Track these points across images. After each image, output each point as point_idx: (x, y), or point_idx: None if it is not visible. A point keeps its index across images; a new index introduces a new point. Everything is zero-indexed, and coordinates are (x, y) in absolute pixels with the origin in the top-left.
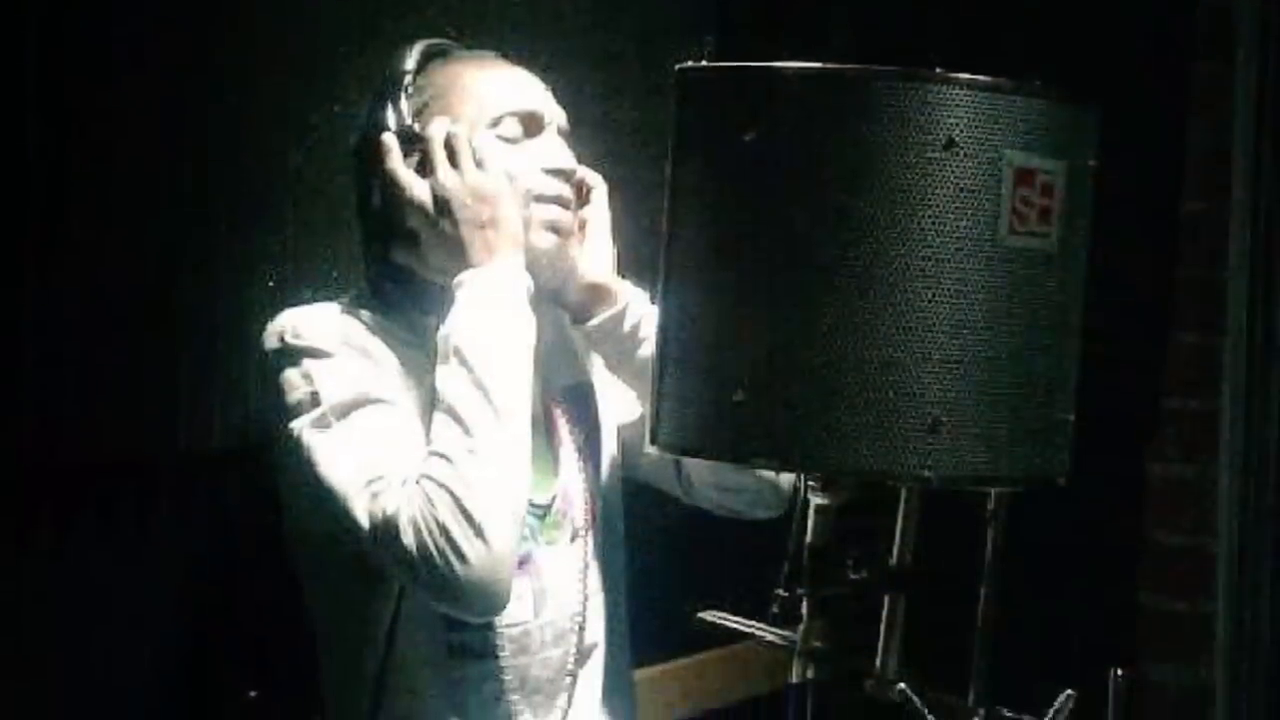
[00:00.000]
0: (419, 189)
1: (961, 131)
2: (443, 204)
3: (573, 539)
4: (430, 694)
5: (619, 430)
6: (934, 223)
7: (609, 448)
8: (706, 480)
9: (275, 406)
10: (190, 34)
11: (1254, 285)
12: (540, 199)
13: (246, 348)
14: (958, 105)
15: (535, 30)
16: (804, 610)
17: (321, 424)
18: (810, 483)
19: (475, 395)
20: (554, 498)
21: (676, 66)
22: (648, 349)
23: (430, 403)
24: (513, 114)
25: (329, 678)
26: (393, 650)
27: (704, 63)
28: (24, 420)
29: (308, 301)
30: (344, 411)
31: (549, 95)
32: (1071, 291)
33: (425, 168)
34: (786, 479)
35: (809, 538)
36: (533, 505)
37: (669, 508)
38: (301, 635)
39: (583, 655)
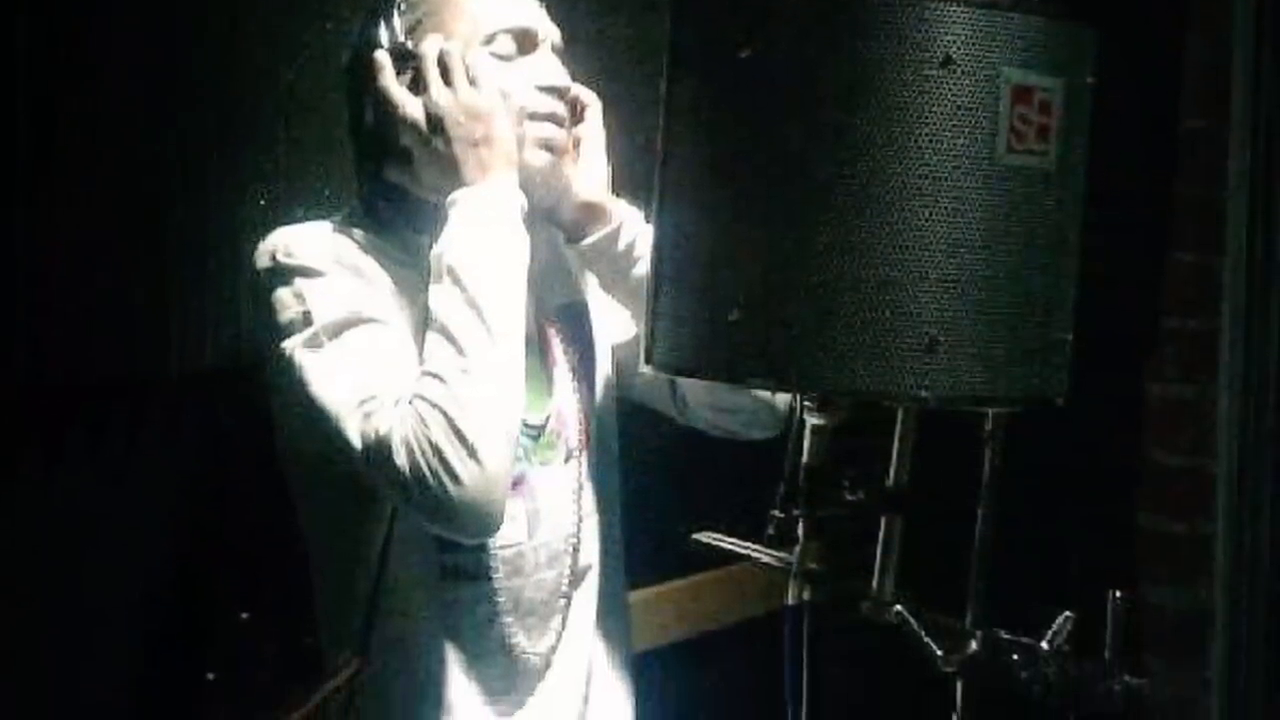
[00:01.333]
0: (412, 107)
1: (959, 49)
2: (436, 122)
3: (567, 460)
4: (423, 616)
5: (613, 350)
6: (931, 141)
7: (603, 368)
8: (702, 400)
9: (267, 326)
10: None
11: (1254, 203)
12: (534, 117)
13: (239, 267)
14: (955, 23)
15: None
16: (800, 531)
17: (314, 343)
18: (806, 403)
19: (469, 314)
20: (548, 418)
21: None
22: (642, 268)
23: (423, 322)
24: (507, 31)
25: (322, 599)
26: (385, 572)
27: None
28: (16, 341)
29: (300, 220)
30: (336, 331)
31: (543, 12)
32: (1070, 210)
33: (418, 85)
34: (782, 399)
35: (805, 458)
36: (527, 426)
37: (664, 428)
38: (295, 557)
39: (577, 577)
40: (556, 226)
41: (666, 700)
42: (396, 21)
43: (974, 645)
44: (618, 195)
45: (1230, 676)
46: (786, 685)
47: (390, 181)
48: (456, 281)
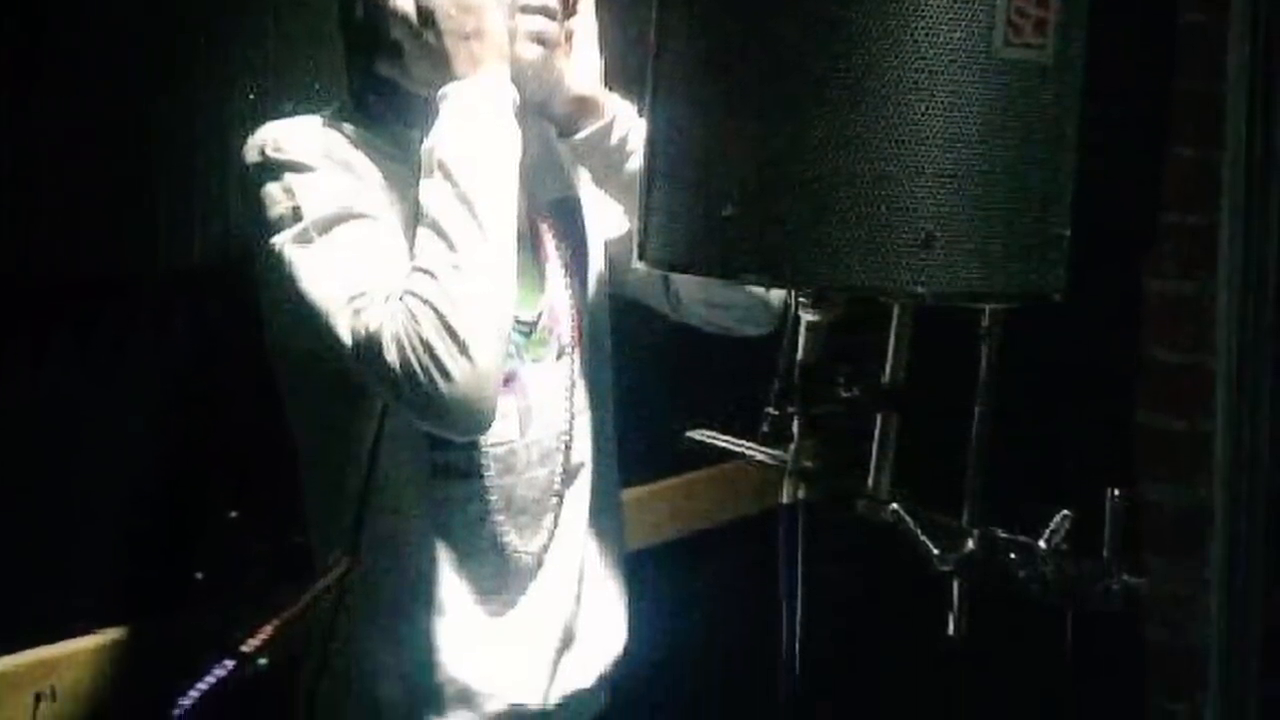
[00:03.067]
0: (403, 0)
1: None
2: (427, 15)
3: (559, 356)
4: (414, 514)
5: (606, 245)
6: (927, 34)
7: (596, 263)
8: (695, 296)
9: (256, 221)
10: None
11: (1253, 98)
12: (525, 9)
13: (227, 162)
14: None
15: None
16: (795, 429)
17: (303, 239)
18: (801, 299)
19: (460, 209)
20: (540, 314)
21: None
22: (636, 163)
23: (414, 217)
24: None
25: (311, 497)
26: (376, 469)
27: None
28: (2, 238)
29: (289, 115)
30: (326, 226)
31: None
32: (1068, 105)
33: None
34: (777, 295)
35: (800, 355)
36: (518, 322)
37: (657, 324)
38: (284, 455)
39: (569, 475)
40: (549, 121)
41: (660, 599)
42: None
43: (971, 544)
44: (611, 89)
45: (1229, 574)
46: (781, 584)
47: (380, 75)
48: (447, 176)
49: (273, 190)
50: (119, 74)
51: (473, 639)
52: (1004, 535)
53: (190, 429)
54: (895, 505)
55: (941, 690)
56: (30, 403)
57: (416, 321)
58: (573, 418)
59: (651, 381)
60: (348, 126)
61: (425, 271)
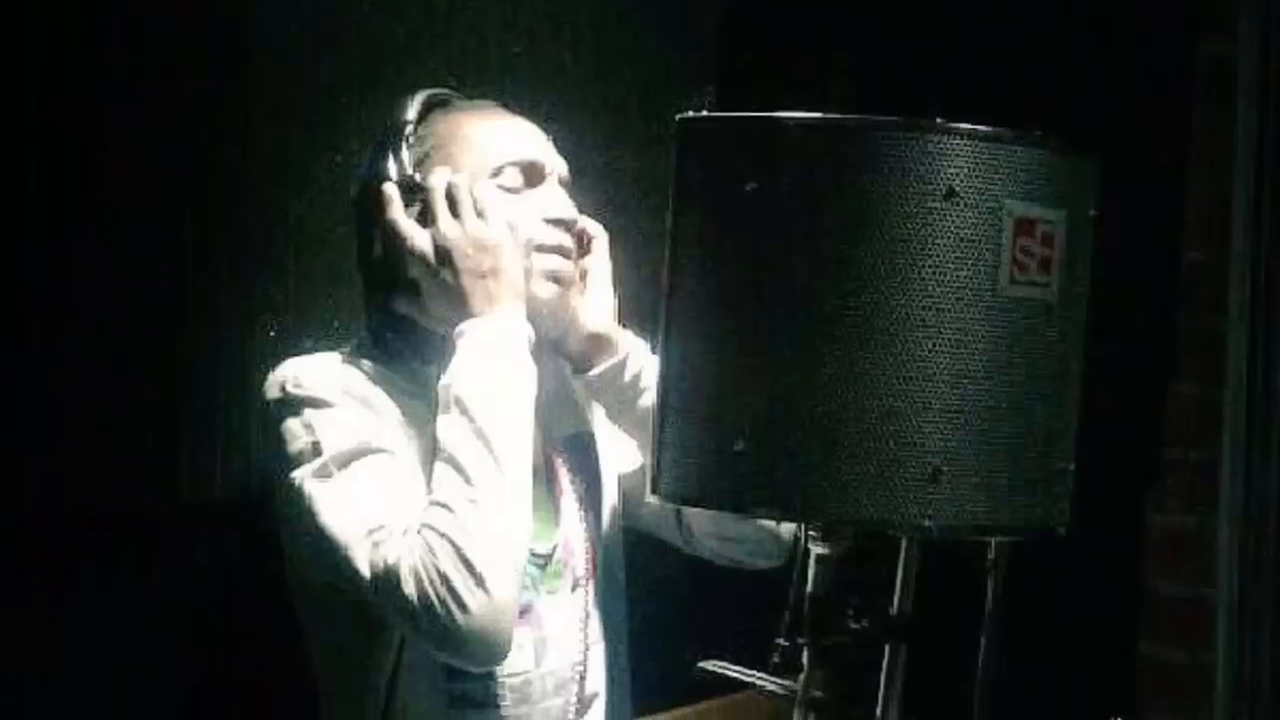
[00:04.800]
0: (420, 239)
1: (962, 181)
2: (444, 254)
3: (574, 588)
4: None
5: (620, 480)
6: (934, 272)
7: (610, 497)
8: (707, 530)
9: (276, 456)
10: (191, 83)
11: (1254, 335)
12: (541, 249)
13: (248, 397)
14: (958, 155)
15: (536, 80)
16: (805, 659)
17: (323, 474)
18: (811, 532)
19: (476, 445)
20: (555, 547)
21: (677, 116)
22: (649, 398)
23: (431, 452)
24: (514, 164)
25: None
26: (394, 700)
27: (705, 113)
28: (26, 471)
29: (309, 351)
30: (345, 461)
31: (550, 145)
32: (1072, 341)
33: (426, 218)
34: (787, 528)
35: (810, 587)
36: (534, 555)
37: (670, 557)
38: (303, 686)
39: (584, 705)
40: (563, 357)
41: None
42: (405, 154)
43: None
44: (624, 326)
45: None
46: None
47: (398, 312)
48: (464, 412)
49: (293, 426)
50: (141, 310)
51: None
52: None
53: (211, 660)
54: None
55: None
56: (52, 634)
57: (434, 555)
58: (587, 649)
59: (664, 612)
60: (366, 363)
61: (442, 505)
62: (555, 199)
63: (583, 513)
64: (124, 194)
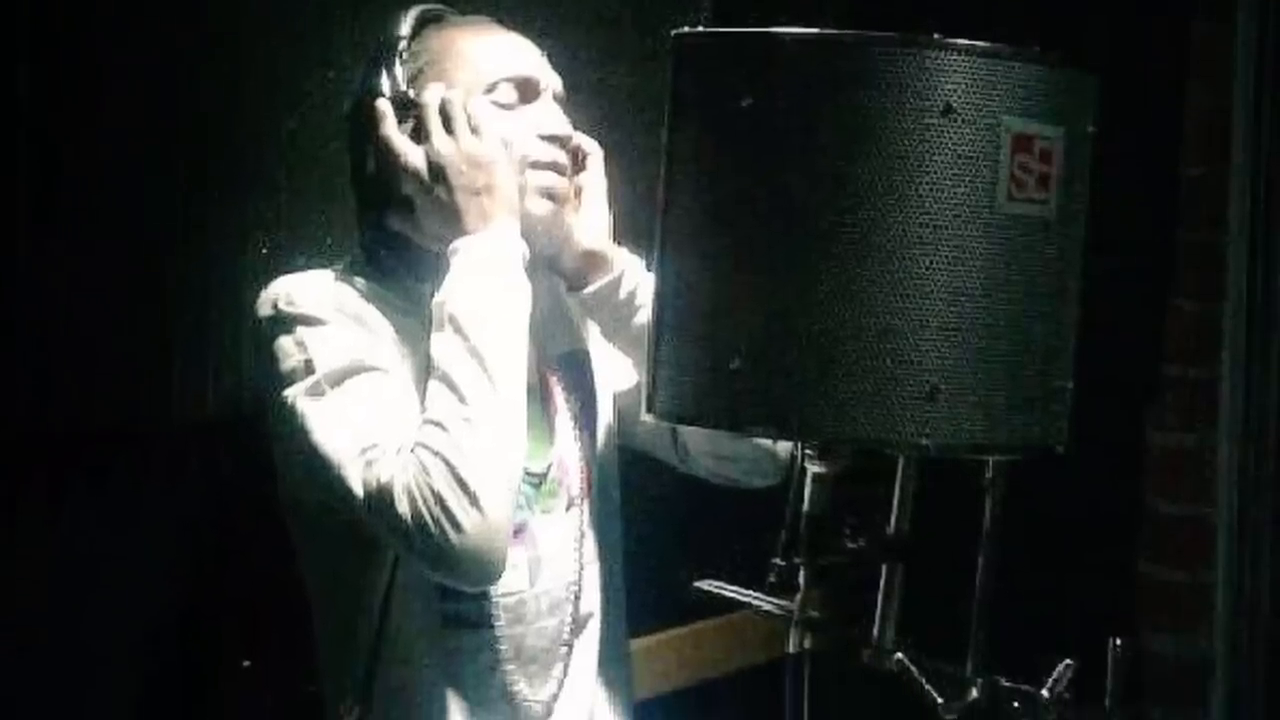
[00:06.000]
0: (414, 155)
1: (959, 98)
2: (438, 170)
3: (568, 508)
4: (425, 664)
5: (615, 398)
6: (932, 189)
7: (605, 416)
8: (703, 448)
9: (269, 374)
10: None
11: (1254, 251)
12: (536, 165)
13: (240, 315)
14: (956, 71)
15: None
16: (801, 579)
17: (315, 392)
18: (807, 451)
19: (470, 363)
20: (549, 466)
21: (673, 32)
22: (644, 316)
23: (425, 370)
24: (508, 80)
25: (323, 647)
26: (387, 620)
27: (701, 28)
28: (18, 390)
29: (302, 268)
30: (338, 379)
31: (545, 61)
32: (1070, 258)
33: (420, 134)
34: (783, 447)
35: (806, 506)
36: (528, 474)
37: (665, 476)
38: (296, 605)
39: (578, 625)
40: (558, 275)
41: None
42: (398, 70)
43: (975, 693)
44: (619, 243)
45: None
46: None
47: (392, 230)
48: (458, 330)
49: (285, 344)
50: (133, 227)
51: None
52: (1007, 684)
53: (203, 578)
54: (900, 655)
55: None
56: (44, 551)
57: (427, 473)
58: (582, 568)
59: (660, 531)
60: (359, 281)
61: (436, 424)
62: (550, 115)
63: (577, 431)
64: (116, 111)
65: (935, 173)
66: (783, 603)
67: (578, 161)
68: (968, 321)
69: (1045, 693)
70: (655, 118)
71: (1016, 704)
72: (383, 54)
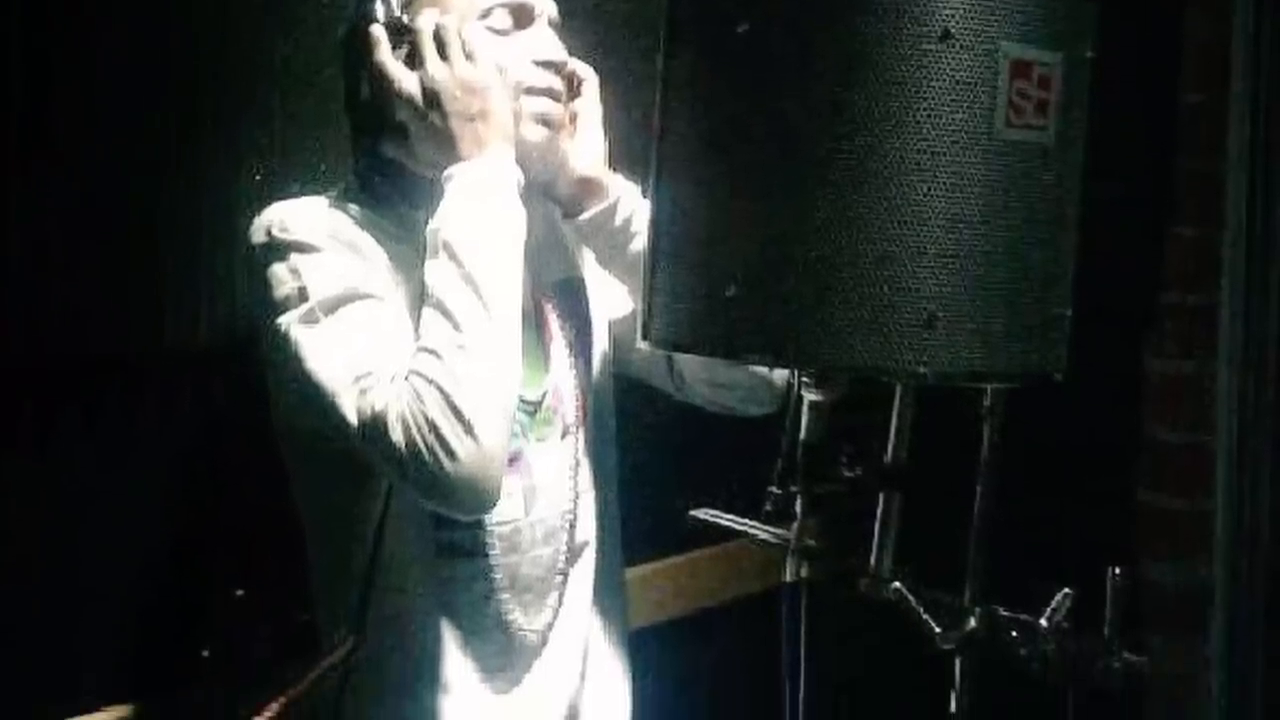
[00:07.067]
0: (408, 81)
1: (957, 23)
2: (432, 96)
3: (563, 436)
4: (419, 592)
5: (610, 326)
6: (929, 116)
7: (600, 343)
8: (699, 376)
9: (262, 302)
10: None
11: (1253, 178)
12: (530, 91)
13: (233, 242)
14: None
15: None
16: (797, 508)
17: (309, 319)
18: (804, 379)
19: (465, 290)
20: (545, 394)
21: None
22: (639, 243)
23: (419, 298)
24: (503, 5)
25: (317, 576)
26: (381, 548)
27: None
28: (8, 318)
29: (295, 195)
30: (332, 307)
31: None
32: (1068, 185)
33: (414, 60)
34: (780, 375)
35: (803, 435)
36: (523, 401)
37: (661, 404)
38: (290, 533)
39: (574, 553)
40: (553, 201)
41: (663, 677)
42: None
43: (973, 622)
44: (615, 170)
45: (1230, 653)
46: (784, 662)
47: (386, 156)
48: (453, 257)
49: (279, 270)
50: (125, 154)
51: (478, 716)
52: (1005, 614)
53: (196, 507)
54: (897, 584)
55: None
56: (36, 481)
57: (421, 401)
58: (577, 497)
59: (655, 460)
60: (353, 207)
61: (430, 351)
62: (544, 41)
63: (572, 359)
64: (107, 37)
65: (933, 99)
66: (779, 531)
67: (573, 87)
68: (966, 248)
69: (1044, 622)
70: (651, 44)
71: (1015, 633)
72: None
